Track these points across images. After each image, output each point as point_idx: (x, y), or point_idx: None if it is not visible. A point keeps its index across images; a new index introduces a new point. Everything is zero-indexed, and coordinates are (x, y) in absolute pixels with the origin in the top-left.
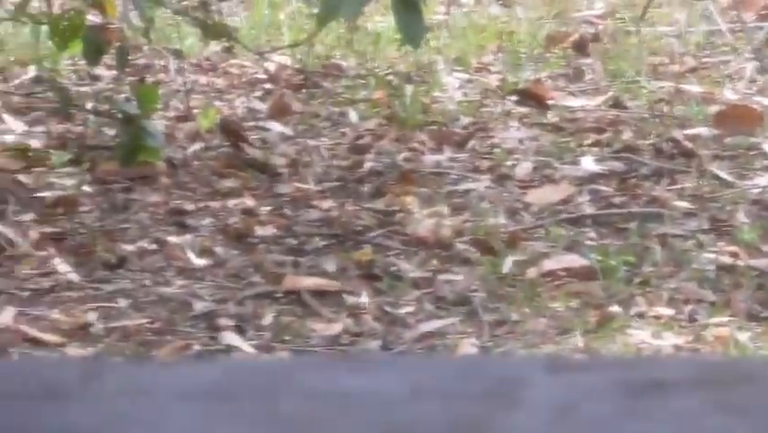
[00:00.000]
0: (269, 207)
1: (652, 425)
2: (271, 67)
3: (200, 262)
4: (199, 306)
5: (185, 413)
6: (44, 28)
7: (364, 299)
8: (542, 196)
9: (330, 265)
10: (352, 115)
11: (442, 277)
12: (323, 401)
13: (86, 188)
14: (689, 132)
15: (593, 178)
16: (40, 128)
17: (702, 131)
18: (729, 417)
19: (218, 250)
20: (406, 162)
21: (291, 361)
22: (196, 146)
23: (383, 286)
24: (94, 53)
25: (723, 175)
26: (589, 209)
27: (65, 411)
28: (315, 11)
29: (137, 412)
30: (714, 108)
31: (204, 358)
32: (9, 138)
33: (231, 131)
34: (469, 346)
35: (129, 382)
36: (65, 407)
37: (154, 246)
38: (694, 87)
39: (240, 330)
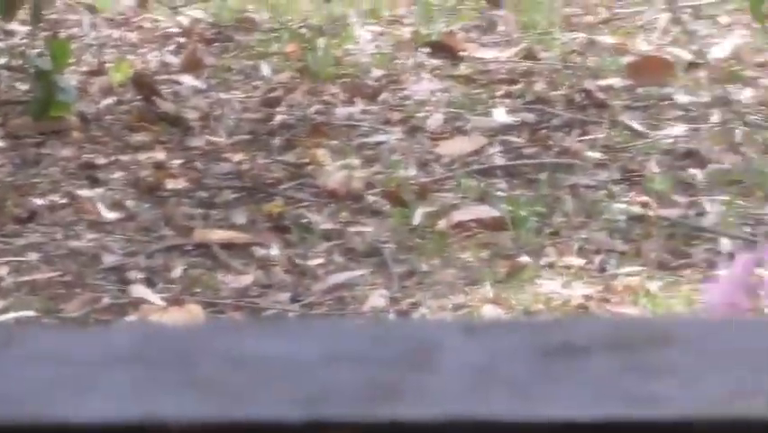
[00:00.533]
0: (180, 161)
1: (567, 387)
2: (185, 21)
3: (111, 215)
4: (109, 259)
5: (105, 379)
6: None
7: (274, 251)
8: (453, 147)
9: (240, 218)
10: (265, 69)
11: (352, 229)
12: (239, 367)
13: None
14: (601, 83)
15: (505, 129)
16: None
17: (615, 81)
18: (651, 378)
19: (129, 203)
20: (318, 115)
21: (207, 326)
22: (109, 100)
23: (293, 238)
24: (8, 8)
25: (635, 125)
26: (500, 160)
27: None
28: None
29: (58, 378)
30: (627, 59)
31: (119, 322)
32: None
33: (143, 85)
34: (378, 298)
35: (47, 347)
36: None
37: (65, 200)
38: (607, 38)
39: (150, 283)
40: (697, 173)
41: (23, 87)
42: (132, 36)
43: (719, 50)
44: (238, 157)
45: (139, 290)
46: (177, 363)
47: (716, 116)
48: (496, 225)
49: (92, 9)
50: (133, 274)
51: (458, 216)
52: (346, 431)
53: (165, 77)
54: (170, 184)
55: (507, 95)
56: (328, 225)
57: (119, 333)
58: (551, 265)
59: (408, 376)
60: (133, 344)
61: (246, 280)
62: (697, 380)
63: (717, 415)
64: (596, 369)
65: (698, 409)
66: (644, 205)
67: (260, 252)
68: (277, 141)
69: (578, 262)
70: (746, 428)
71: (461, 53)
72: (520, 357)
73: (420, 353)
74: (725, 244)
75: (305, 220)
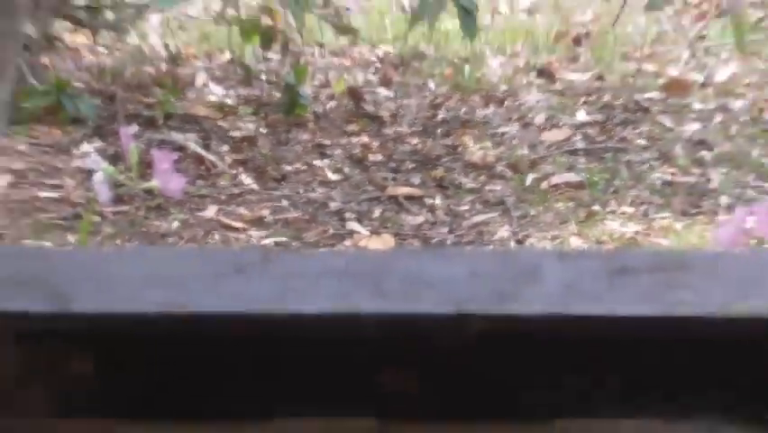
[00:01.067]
0: (377, 143)
1: (625, 295)
2: (380, 53)
3: (334, 177)
4: (333, 205)
5: (326, 287)
6: (235, 27)
7: (438, 201)
8: (551, 136)
9: (416, 179)
10: (431, 84)
11: (487, 187)
12: (413, 278)
13: (261, 130)
14: (646, 95)
15: (584, 125)
16: (232, 91)
17: (655, 95)
18: (678, 291)
19: (345, 170)
20: (465, 115)
21: (394, 251)
22: (332, 104)
23: (450, 193)
24: (266, 43)
25: (667, 123)
26: (581, 145)
27: (249, 283)
28: (409, 17)
29: (297, 284)
30: (662, 80)
31: (338, 246)
32: (213, 97)
33: (354, 94)
34: (503, 232)
35: (288, 263)
36: (249, 280)
37: (305, 167)
38: (651, 67)
39: (359, 221)
40: (705, 154)
41: (277, 94)
42: (347, 62)
43: (721, 74)
44: (414, 141)
45: (352, 225)
46: (372, 276)
47: (718, 118)
48: (578, 186)
49: (320, 45)
50: (348, 215)
51: (554, 179)
52: (481, 321)
53: (367, 89)
54: (372, 157)
55: (585, 103)
56: (472, 185)
57: (336, 255)
58: (613, 212)
59: (522, 287)
60: (346, 262)
61: (419, 219)
62: (707, 291)
63: (720, 314)
64: (643, 284)
65: (707, 310)
66: (673, 174)
67: (428, 201)
68: (439, 131)
69: (630, 210)
70: (744, 323)
71: (556, 76)
72: (594, 275)
73: (529, 271)
74: (724, 200)
75: (457, 181)
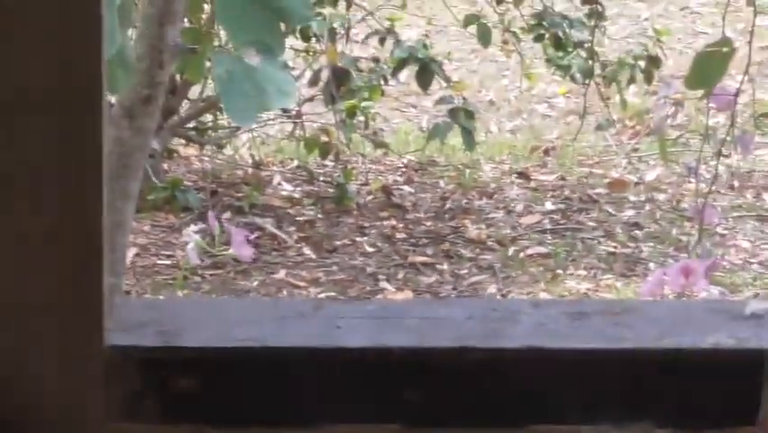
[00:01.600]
0: (402, 225)
1: (581, 333)
2: (405, 160)
3: (370, 249)
4: (369, 270)
5: (363, 326)
6: (301, 142)
7: (445, 266)
8: (528, 220)
9: (429, 251)
10: (441, 183)
11: (480, 256)
12: (425, 321)
13: (319, 215)
14: (596, 191)
15: (550, 212)
16: (299, 188)
17: (601, 190)
18: (622, 328)
19: (378, 244)
20: (465, 205)
21: (412, 301)
22: (370, 197)
23: (454, 261)
24: (324, 154)
25: (610, 210)
26: (549, 226)
27: (307, 324)
28: (426, 135)
29: (341, 325)
30: (607, 180)
31: (369, 298)
32: (284, 192)
33: (386, 190)
34: (491, 288)
35: (333, 310)
36: (307, 322)
37: (350, 242)
38: (599, 171)
39: (387, 281)
40: (638, 233)
41: (331, 190)
42: (381, 167)
43: (649, 176)
44: (429, 223)
45: (383, 284)
46: (397, 318)
47: (647, 207)
48: (546, 256)
49: (362, 155)
50: (380, 276)
51: (529, 251)
52: (475, 354)
53: (395, 186)
54: (398, 235)
55: (551, 196)
56: (470, 255)
57: (369, 303)
58: (571, 274)
59: (506, 327)
60: (377, 309)
61: (431, 279)
62: (642, 329)
63: (653, 346)
64: (594, 324)
65: (642, 343)
66: (615, 247)
67: (438, 266)
68: (446, 216)
69: (584, 273)
70: (674, 353)
71: (531, 177)
72: (558, 318)
73: (511, 316)
74: (651, 265)
75: (459, 252)
